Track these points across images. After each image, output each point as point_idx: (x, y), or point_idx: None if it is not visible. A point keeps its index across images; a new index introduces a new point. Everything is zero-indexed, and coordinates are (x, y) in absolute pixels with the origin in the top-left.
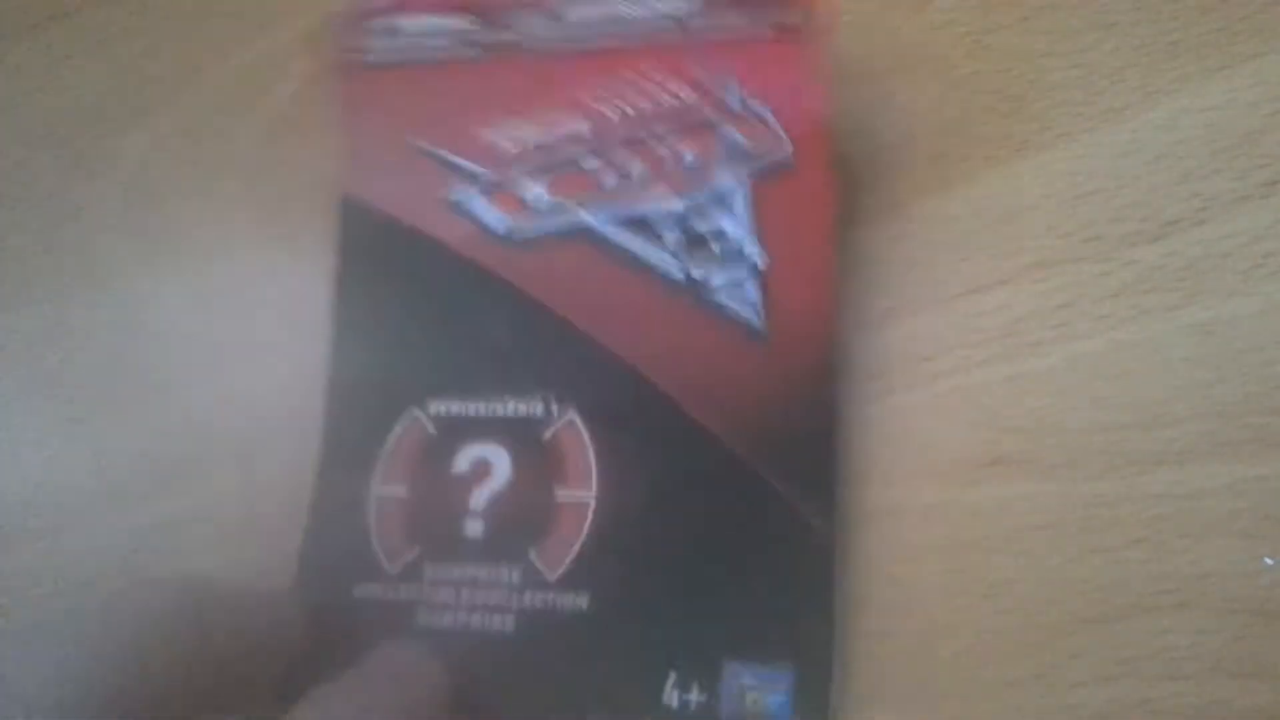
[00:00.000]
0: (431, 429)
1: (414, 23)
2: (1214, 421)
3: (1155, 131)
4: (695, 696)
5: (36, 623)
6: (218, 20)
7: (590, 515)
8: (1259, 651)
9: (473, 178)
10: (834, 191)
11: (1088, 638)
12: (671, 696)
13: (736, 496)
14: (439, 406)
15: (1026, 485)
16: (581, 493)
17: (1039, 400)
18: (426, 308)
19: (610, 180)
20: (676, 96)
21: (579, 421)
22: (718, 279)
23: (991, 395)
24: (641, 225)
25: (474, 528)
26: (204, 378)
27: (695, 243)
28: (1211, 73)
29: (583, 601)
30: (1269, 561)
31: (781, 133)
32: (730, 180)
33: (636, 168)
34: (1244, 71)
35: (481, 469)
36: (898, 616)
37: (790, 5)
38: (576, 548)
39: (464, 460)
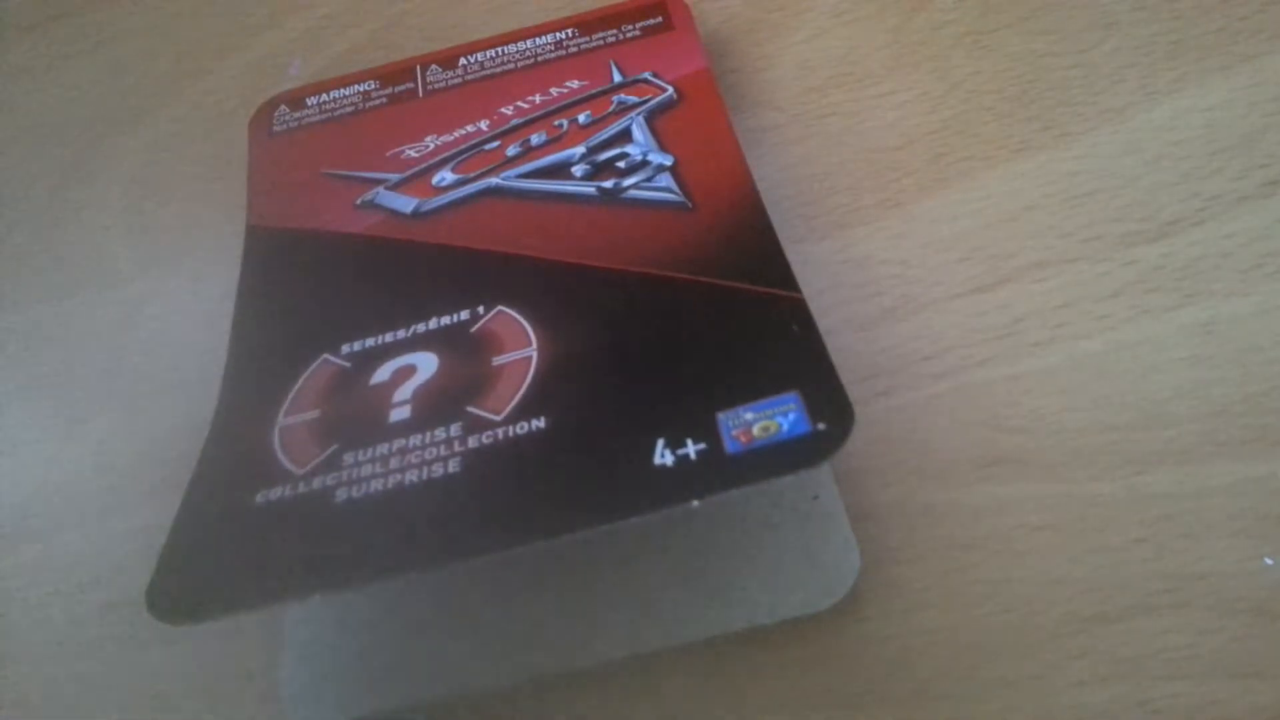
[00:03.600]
0: (345, 364)
1: (320, 97)
2: (1214, 421)
3: (1155, 131)
4: (691, 449)
5: None
6: (218, 20)
7: (534, 364)
8: (1259, 651)
9: (381, 182)
10: (725, 110)
11: (1088, 638)
12: (663, 457)
13: (694, 301)
14: (352, 346)
15: (1026, 485)
16: (520, 351)
17: (1039, 400)
18: (336, 283)
19: (513, 150)
20: (565, 87)
21: (509, 310)
22: (629, 182)
23: (991, 395)
24: (548, 171)
25: (400, 413)
26: (204, 378)
27: (602, 168)
28: (1211, 73)
29: (540, 423)
30: (1269, 561)
31: (664, 84)
32: (625, 121)
33: (536, 137)
34: (1244, 71)
35: (404, 372)
36: (898, 617)
37: (650, 15)
38: (524, 390)
39: (384, 372)
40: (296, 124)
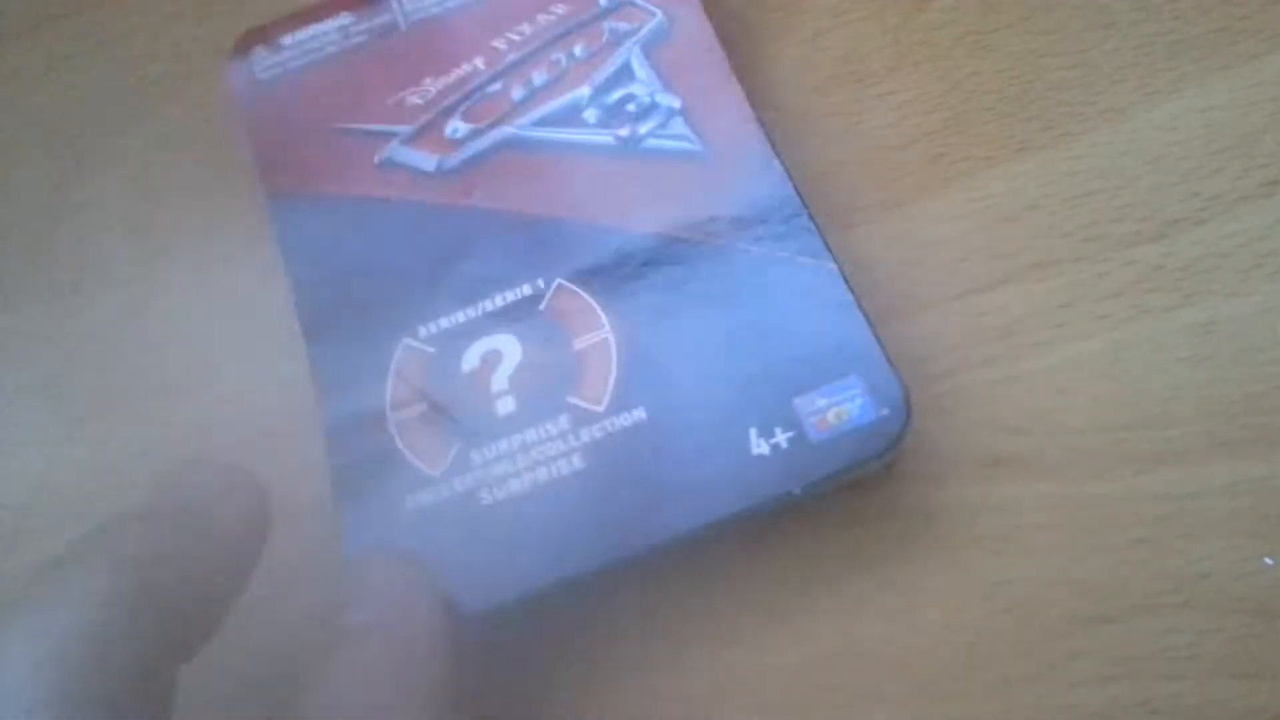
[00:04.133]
0: (429, 348)
1: (295, 36)
2: (1214, 421)
3: (1155, 131)
4: (782, 437)
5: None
6: (218, 20)
7: (613, 348)
8: (1259, 651)
9: (392, 135)
10: (715, 35)
11: (1088, 638)
12: (760, 446)
13: (741, 273)
14: (428, 329)
15: (1026, 485)
16: (597, 333)
17: (1039, 400)
18: (385, 256)
19: (519, 94)
20: (551, 13)
21: (568, 284)
22: (644, 129)
23: (991, 395)
24: (560, 117)
25: (505, 404)
26: (203, 378)
27: (613, 112)
28: (1211, 73)
29: (640, 414)
30: (1269, 561)
31: (650, 6)
32: (623, 54)
33: (538, 76)
34: (1244, 71)
35: (492, 357)
36: (897, 617)
37: None
38: (613, 378)
39: (472, 357)
40: (281, 70)
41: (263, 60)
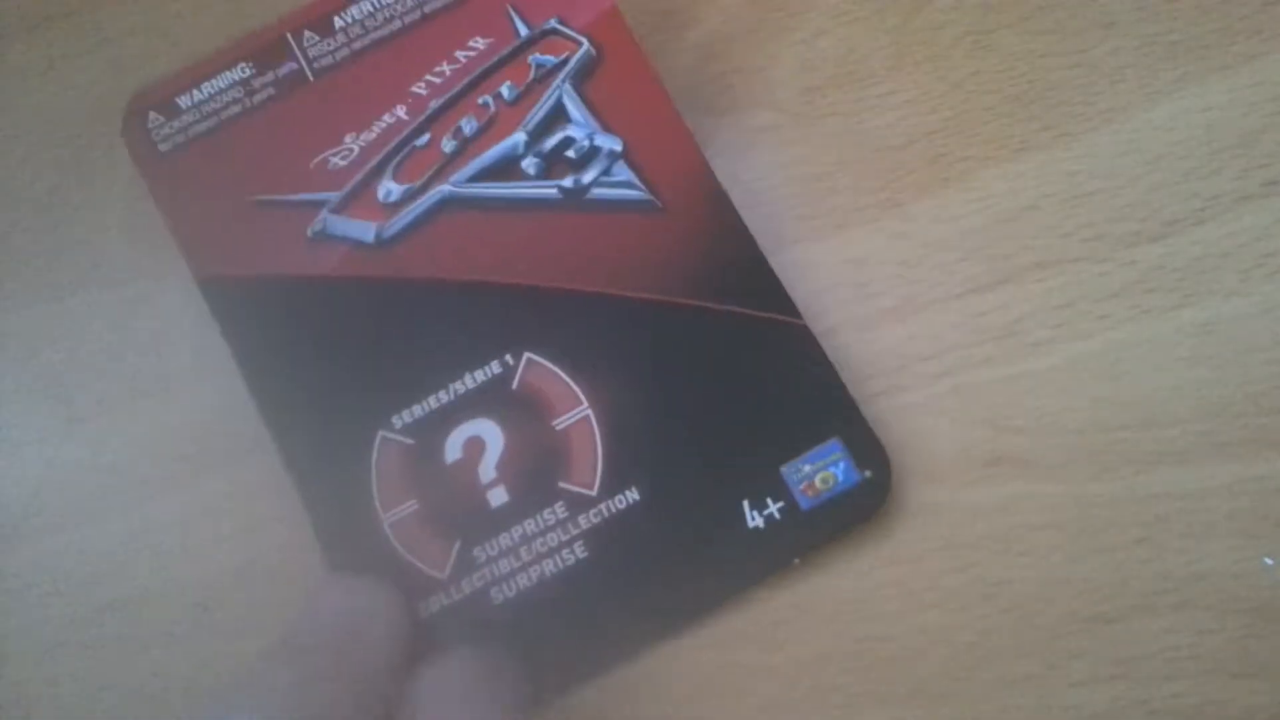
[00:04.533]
0: (407, 440)
1: (193, 95)
2: (1214, 421)
3: (1155, 131)
4: (773, 507)
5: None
6: (218, 20)
7: (594, 425)
8: (1259, 651)
9: (321, 204)
10: (648, 61)
11: (1088, 638)
12: (755, 519)
13: (706, 335)
14: (403, 418)
15: (1026, 485)
16: (576, 411)
17: (1039, 400)
18: (339, 340)
19: (449, 145)
20: (470, 49)
21: (537, 357)
22: (588, 177)
23: (991, 395)
24: (497, 169)
25: (497, 495)
26: (203, 377)
27: (552, 160)
28: (1211, 73)
29: (634, 494)
30: (1269, 561)
31: (575, 34)
32: (554, 93)
33: (467, 124)
34: (1244, 71)
35: (474, 445)
36: (898, 617)
37: None
38: (600, 457)
39: (454, 447)
40: (184, 137)
41: (160, 129)
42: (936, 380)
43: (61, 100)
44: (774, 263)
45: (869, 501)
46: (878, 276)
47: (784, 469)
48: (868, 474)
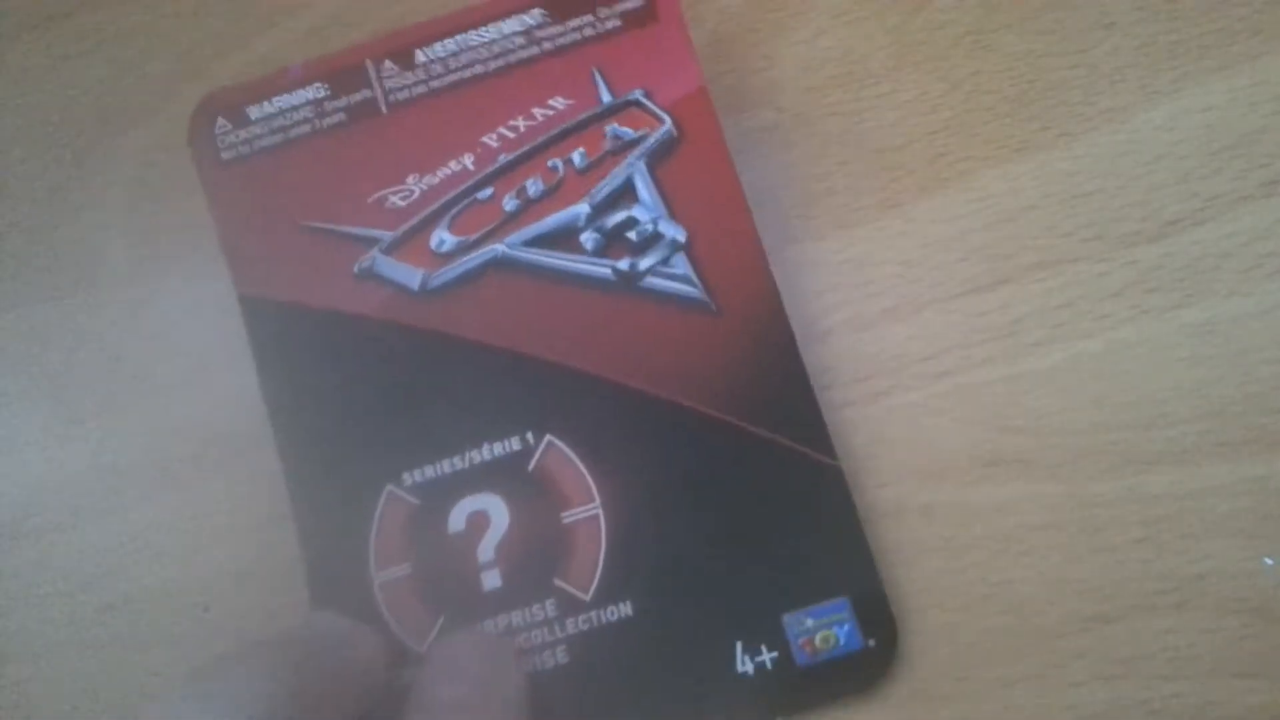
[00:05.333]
0: (413, 499)
1: (264, 107)
2: (1214, 421)
3: (1155, 131)
4: (766, 656)
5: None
6: (218, 20)
7: (603, 526)
8: (1259, 651)
9: (373, 242)
10: (728, 152)
11: (1088, 638)
12: (745, 664)
13: (736, 457)
14: (413, 476)
15: (1026, 485)
16: (586, 508)
17: (1039, 400)
18: (368, 384)
19: (510, 204)
20: (549, 107)
21: (559, 442)
22: (645, 264)
23: (991, 395)
24: (554, 238)
25: (491, 578)
26: (203, 377)
27: (612, 238)
28: (1211, 73)
29: (627, 609)
30: (1269, 561)
31: (659, 111)
32: (626, 169)
33: (532, 185)
34: (1244, 71)
35: (478, 520)
36: (897, 617)
37: None
38: (601, 561)
39: (458, 518)
40: (249, 149)
41: (226, 136)
42: (936, 380)
43: (61, 100)
44: (774, 263)
45: (868, 672)
46: (878, 276)
47: (786, 618)
48: (872, 643)
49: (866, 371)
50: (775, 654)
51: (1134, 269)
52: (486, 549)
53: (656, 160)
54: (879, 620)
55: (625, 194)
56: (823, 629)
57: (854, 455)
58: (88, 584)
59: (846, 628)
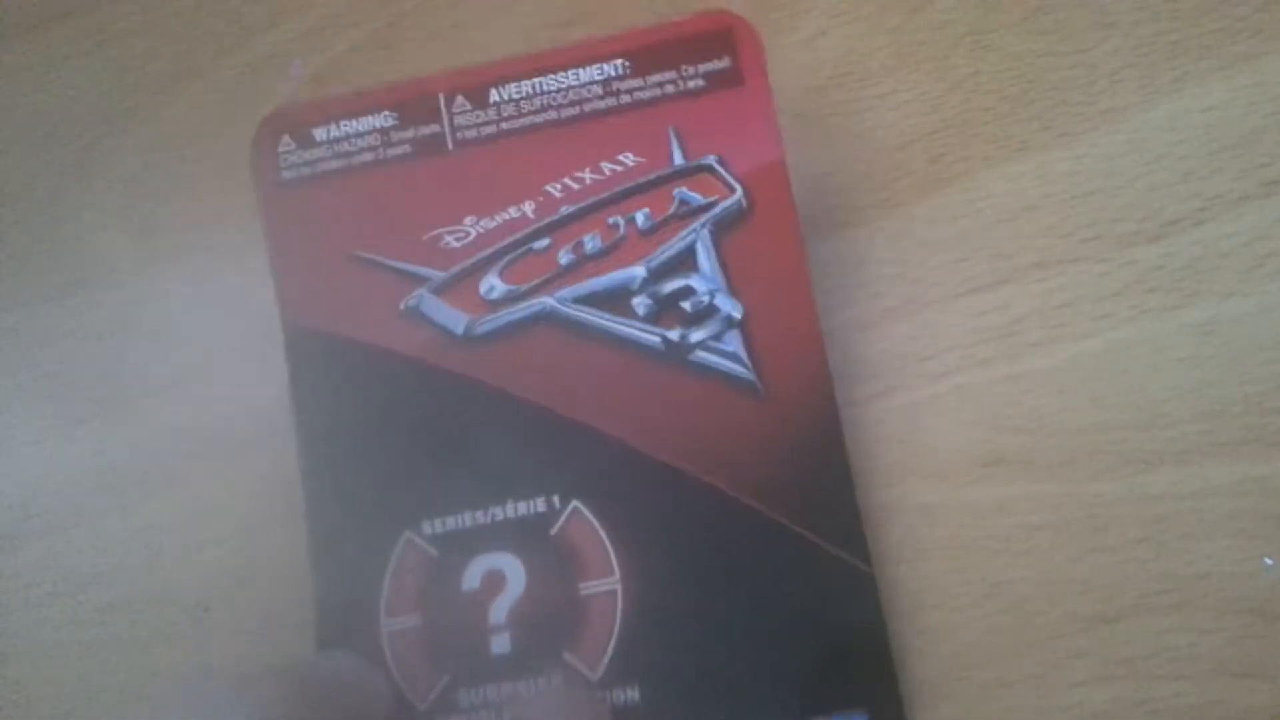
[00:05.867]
0: (431, 550)
1: (330, 130)
2: (1214, 421)
3: (1155, 131)
4: None
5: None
6: (218, 20)
7: (619, 603)
8: (1259, 651)
9: (423, 280)
10: (799, 229)
11: (1088, 638)
12: None
13: (766, 551)
14: (434, 526)
15: (1026, 485)
16: (605, 581)
17: (1039, 400)
18: (400, 426)
19: (566, 258)
20: (618, 162)
21: (585, 510)
22: (696, 337)
23: (991, 395)
24: (606, 298)
25: (500, 643)
26: (203, 378)
27: (666, 306)
28: (1211, 73)
29: (634, 694)
30: (1269, 561)
31: (732, 180)
32: (689, 236)
33: (590, 241)
34: (1244, 71)
35: (494, 580)
36: (897, 617)
37: (716, 53)
38: (613, 640)
39: (473, 575)
40: (310, 171)
41: (289, 155)
42: (936, 380)
43: (61, 100)
44: None
45: None
46: (878, 276)
47: None
48: None
49: (866, 371)
50: None
51: (1134, 269)
52: (499, 611)
53: (722, 230)
54: None
55: (685, 261)
56: None
57: (854, 455)
58: (88, 584)
59: None
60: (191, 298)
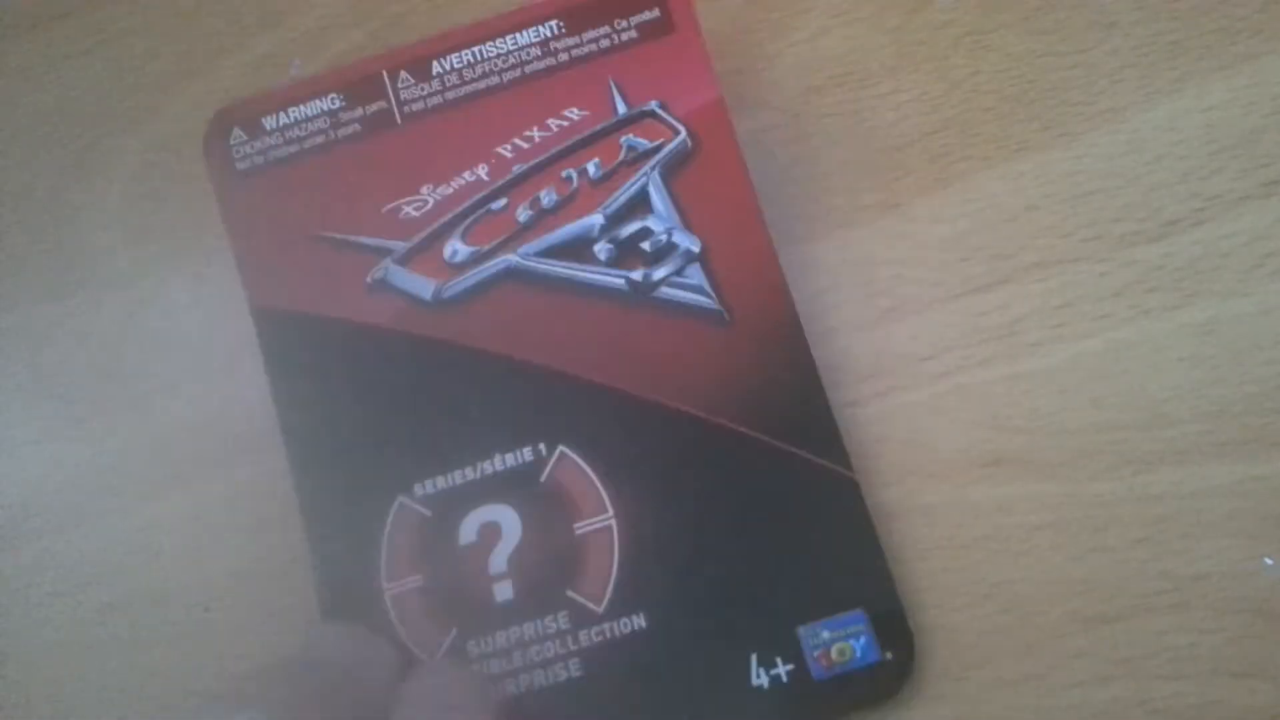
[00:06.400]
0: (425, 510)
1: (279, 118)
2: (1214, 421)
3: (1155, 131)
4: (782, 669)
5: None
6: (218, 20)
7: (615, 537)
8: (1259, 651)
9: (386, 252)
10: (743, 161)
11: (1088, 638)
12: (760, 677)
13: (751, 469)
14: (424, 487)
15: (1026, 485)
16: (599, 519)
17: (1039, 400)
18: (379, 395)
19: (524, 215)
20: (564, 118)
21: (571, 453)
22: (659, 274)
23: (991, 395)
24: (568, 248)
25: (503, 590)
26: (203, 378)
27: (626, 248)
28: (1211, 73)
29: (640, 621)
30: (1269, 561)
31: (675, 122)
32: (640, 179)
33: (546, 196)
34: (1244, 71)
35: (490, 532)
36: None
37: (645, 4)
38: (614, 572)
39: (469, 530)
40: (263, 160)
41: (242, 147)
42: (936, 380)
43: (61, 100)
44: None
45: (886, 685)
46: (878, 276)
47: (801, 630)
48: (889, 655)
49: (866, 371)
50: (791, 667)
51: (1134, 269)
52: (498, 561)
53: (671, 171)
54: (896, 633)
55: (639, 205)
56: (839, 641)
57: (854, 455)
58: (88, 584)
59: (863, 640)
60: (191, 298)
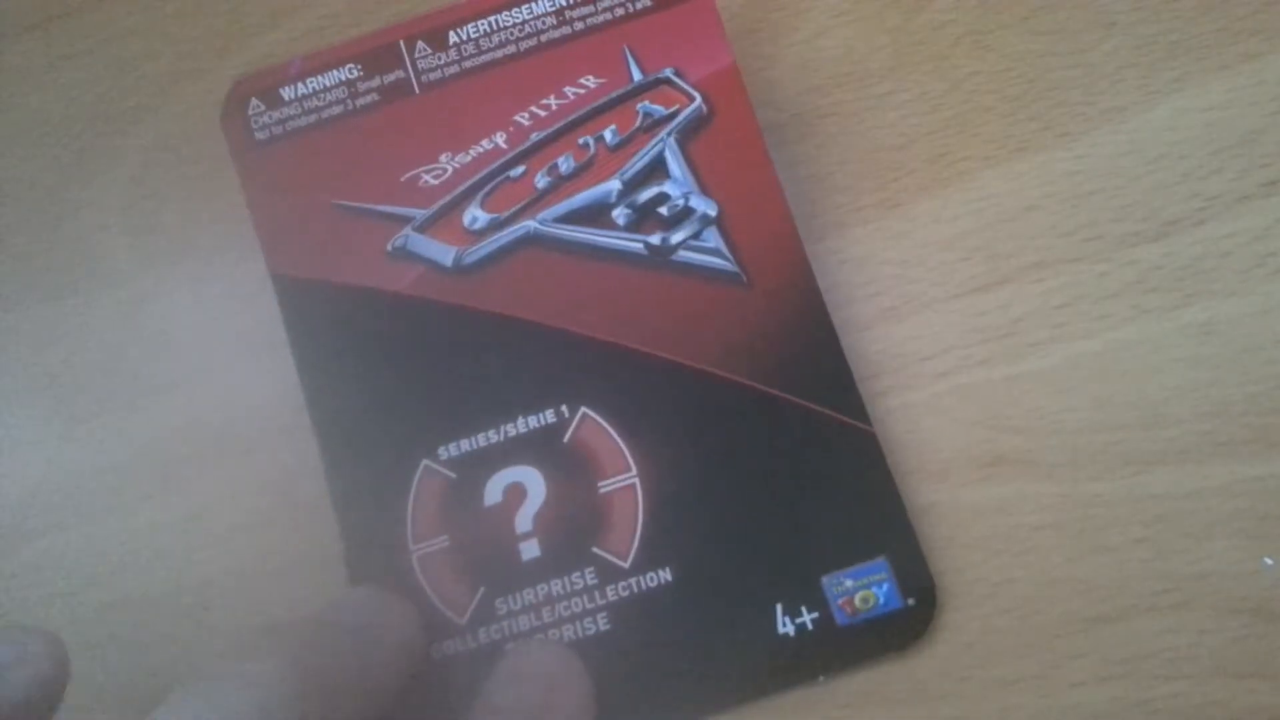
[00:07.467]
0: (450, 473)
1: (297, 88)
2: (1214, 421)
3: (1155, 131)
4: (807, 617)
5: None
6: (218, 20)
7: (639, 494)
8: (1259, 651)
9: (406, 220)
10: (758, 127)
11: (1088, 638)
12: (786, 625)
13: (771, 425)
14: (448, 450)
15: (1026, 485)
16: (623, 477)
17: (1039, 400)
18: (402, 360)
19: (542, 181)
20: (580, 86)
21: (593, 414)
22: (677, 238)
23: (991, 395)
24: (586, 214)
25: (529, 548)
26: (203, 377)
27: (644, 213)
28: (1211, 73)
29: (666, 575)
30: (1269, 561)
31: (690, 89)
32: (657, 145)
33: (564, 162)
34: (1244, 71)
35: (515, 492)
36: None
37: None
38: (639, 529)
39: (494, 491)
40: (281, 130)
41: (260, 118)
42: (936, 380)
43: (61, 100)
44: None
45: (909, 630)
46: (878, 276)
47: (825, 579)
48: (911, 601)
49: (866, 372)
50: (816, 615)
51: (1134, 269)
52: (524, 520)
53: (687, 136)
54: (918, 579)
55: (656, 170)
56: (862, 589)
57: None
58: (88, 584)
59: (886, 587)
60: (191, 298)
